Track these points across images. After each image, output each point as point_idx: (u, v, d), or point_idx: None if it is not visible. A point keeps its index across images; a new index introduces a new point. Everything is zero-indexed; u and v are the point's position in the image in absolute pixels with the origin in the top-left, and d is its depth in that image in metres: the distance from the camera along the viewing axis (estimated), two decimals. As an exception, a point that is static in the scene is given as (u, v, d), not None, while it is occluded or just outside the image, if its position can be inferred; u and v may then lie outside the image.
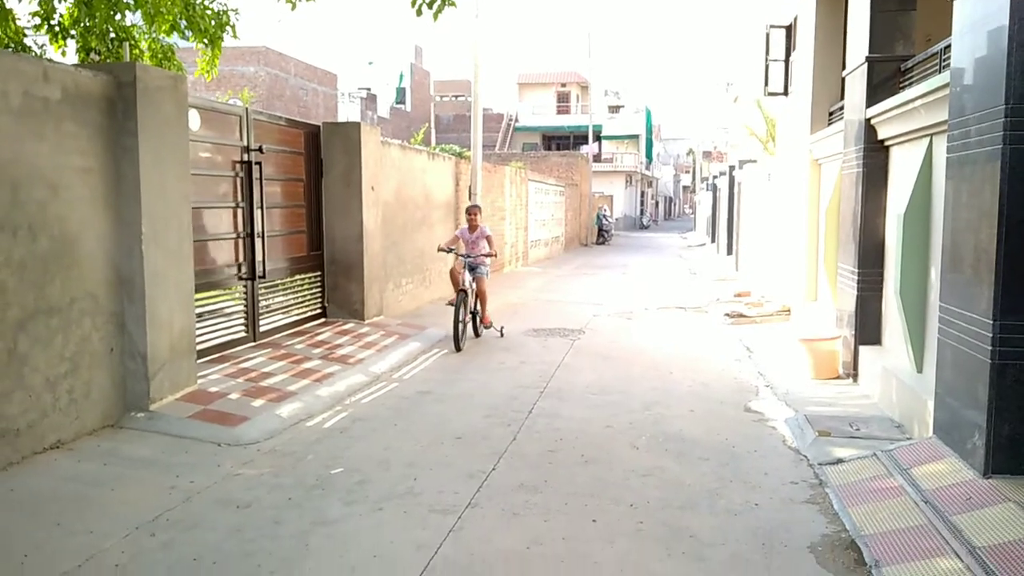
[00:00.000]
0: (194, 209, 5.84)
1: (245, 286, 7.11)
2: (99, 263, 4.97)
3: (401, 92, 44.74)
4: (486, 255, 8.67)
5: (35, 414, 4.48)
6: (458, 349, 7.98)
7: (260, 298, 7.33)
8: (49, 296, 4.57)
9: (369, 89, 42.29)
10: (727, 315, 10.45)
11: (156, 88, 5.28)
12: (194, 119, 6.19)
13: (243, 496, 4.14)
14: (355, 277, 8.66)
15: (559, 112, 48.82)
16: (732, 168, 20.02)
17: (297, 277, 8.26)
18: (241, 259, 7.01)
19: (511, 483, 4.39)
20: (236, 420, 5.21)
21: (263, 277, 7.27)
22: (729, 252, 19.54)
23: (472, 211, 8.98)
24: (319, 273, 8.61)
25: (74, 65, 5.18)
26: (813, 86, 8.89)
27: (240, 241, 7.00)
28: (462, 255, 8.62)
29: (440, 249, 8.70)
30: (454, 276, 8.47)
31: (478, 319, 8.85)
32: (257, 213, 7.15)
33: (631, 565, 3.45)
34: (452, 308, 8.26)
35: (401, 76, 44.87)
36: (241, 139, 7.03)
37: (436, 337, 8.64)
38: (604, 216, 31.70)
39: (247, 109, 7.15)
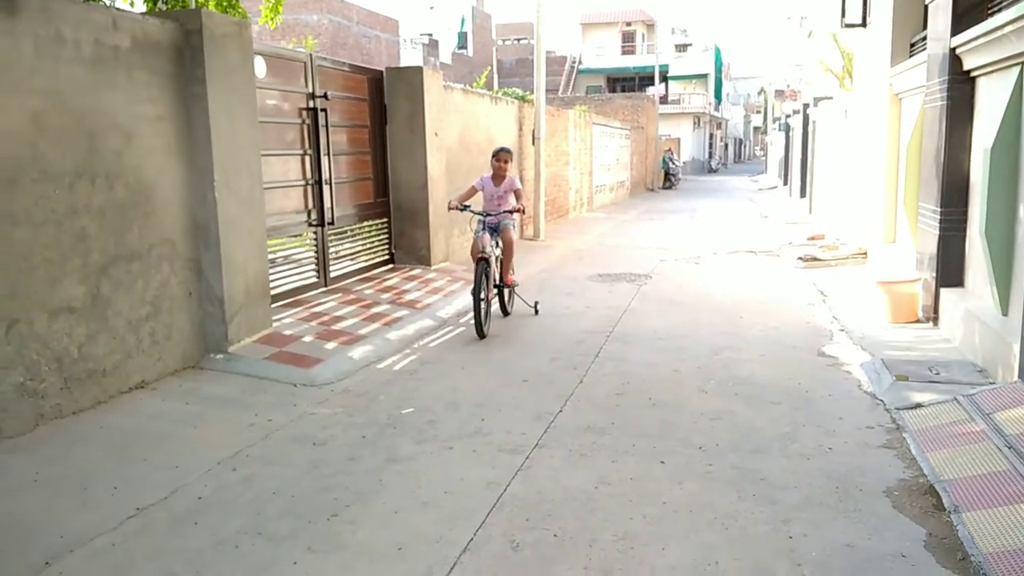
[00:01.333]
0: (263, 156, 5.91)
1: (315, 233, 7.22)
2: (175, 210, 5.10)
3: (463, 37, 44.25)
4: (512, 211, 6.89)
5: (120, 355, 4.68)
6: (481, 335, 6.26)
7: (330, 244, 7.44)
8: (128, 242, 4.73)
9: (431, 35, 41.96)
10: (800, 259, 10.16)
11: (222, 35, 5.32)
12: (260, 66, 6.23)
13: (319, 434, 4.27)
14: (421, 223, 8.70)
15: (624, 53, 47.65)
16: (806, 106, 19.25)
17: (365, 224, 8.35)
18: (310, 206, 7.11)
19: (578, 424, 4.41)
20: (310, 362, 5.34)
21: (332, 224, 7.36)
22: (802, 194, 18.92)
23: (501, 156, 6.97)
24: (386, 220, 8.68)
25: (142, 13, 5.25)
26: (894, 15, 8.40)
27: (309, 188, 7.09)
28: (478, 213, 6.82)
29: (451, 207, 6.80)
30: (474, 248, 6.51)
31: (505, 294, 7.12)
32: (324, 160, 7.20)
33: (700, 506, 3.44)
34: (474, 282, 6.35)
35: (463, 20, 44.32)
36: (306, 86, 7.05)
37: (502, 282, 8.66)
38: (671, 159, 31.02)
39: (311, 55, 7.16)
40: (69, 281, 4.33)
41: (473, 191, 6.94)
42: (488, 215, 6.85)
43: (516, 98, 13.30)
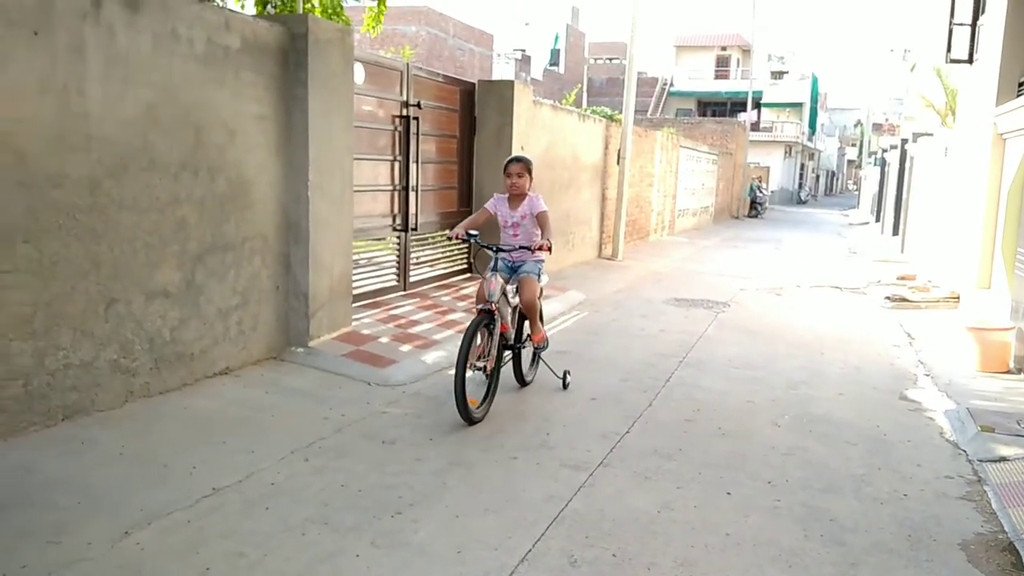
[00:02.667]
0: (355, 160, 6.10)
1: (398, 237, 7.40)
2: (270, 206, 5.31)
3: (555, 54, 44.53)
4: (535, 249, 4.78)
5: (208, 341, 4.90)
6: (467, 419, 4.47)
7: (411, 250, 7.60)
8: (225, 233, 4.95)
9: (524, 50, 42.41)
10: (888, 298, 9.82)
11: (326, 40, 5.53)
12: (359, 72, 6.44)
13: (388, 432, 4.36)
14: (501, 235, 8.78)
15: (717, 77, 47.07)
16: (904, 141, 18.61)
17: (446, 232, 8.49)
18: (396, 211, 7.28)
19: (645, 447, 4.37)
20: (385, 362, 5.47)
21: (415, 229, 7.52)
22: (895, 232, 18.28)
23: (513, 168, 4.99)
24: (467, 229, 8.80)
25: (252, 16, 5.51)
26: (1002, 53, 8.08)
27: (395, 194, 7.26)
28: (485, 246, 4.89)
29: (455, 236, 4.89)
30: (480, 293, 4.72)
31: (523, 357, 5.31)
32: (412, 167, 7.38)
33: (765, 541, 3.37)
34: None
35: (556, 37, 44.62)
36: (401, 94, 7.25)
37: (576, 300, 8.68)
38: (758, 188, 30.43)
39: (407, 64, 7.36)
40: (167, 267, 4.56)
41: (485, 216, 5.10)
42: (503, 249, 4.88)
43: (604, 117, 13.31)
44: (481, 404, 4.63)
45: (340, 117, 5.75)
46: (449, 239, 5.04)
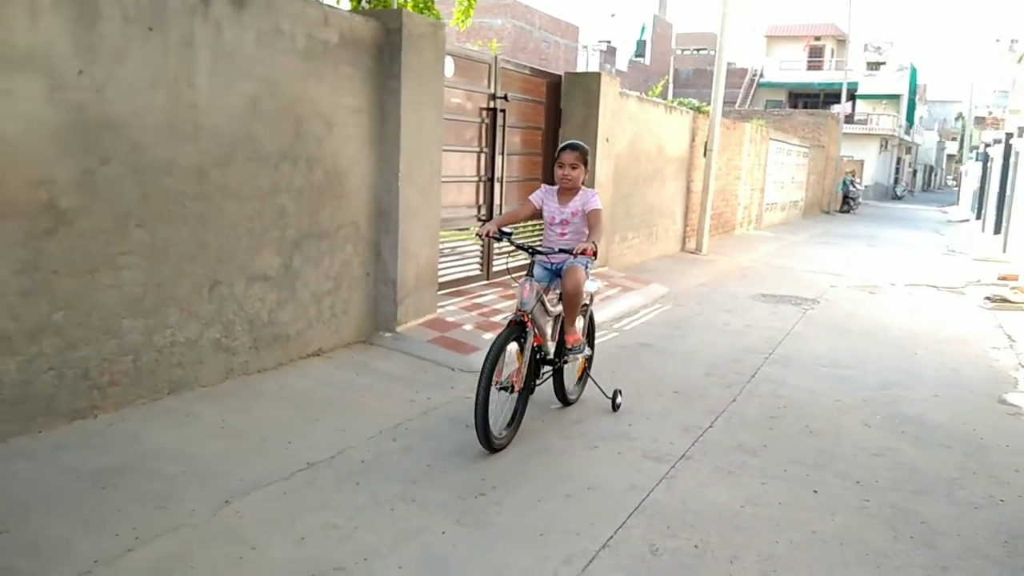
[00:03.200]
0: (443, 151, 6.22)
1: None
2: (363, 195, 5.49)
3: (641, 45, 44.01)
4: (577, 253, 3.96)
5: (303, 324, 5.11)
6: (489, 447, 3.89)
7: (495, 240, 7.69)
8: (320, 221, 5.14)
9: (609, 42, 42.05)
10: (988, 299, 9.38)
11: (419, 35, 5.66)
12: (449, 66, 6.56)
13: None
14: (584, 227, 8.79)
15: (810, 68, 45.61)
16: (1009, 136, 17.66)
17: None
18: (480, 201, 7.39)
19: (728, 442, 4.34)
20: (468, 349, 5.58)
21: (499, 220, 7.61)
22: (996, 230, 17.39)
23: (565, 158, 4.32)
24: (550, 220, 8.84)
25: (349, 11, 5.68)
26: None
27: (481, 184, 7.37)
28: (524, 248, 4.29)
29: (481, 234, 4.32)
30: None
31: (566, 373, 4.65)
32: (498, 159, 7.47)
33: (852, 540, 3.30)
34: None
35: (643, 28, 44.08)
36: (489, 87, 7.34)
37: (659, 293, 8.61)
38: (851, 182, 29.36)
39: (496, 57, 7.44)
40: (267, 252, 4.78)
41: (529, 211, 4.48)
42: (544, 253, 4.27)
43: (691, 108, 13.11)
44: (506, 428, 4.05)
45: (430, 109, 5.88)
46: (478, 236, 4.34)
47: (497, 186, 7.50)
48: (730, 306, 8.35)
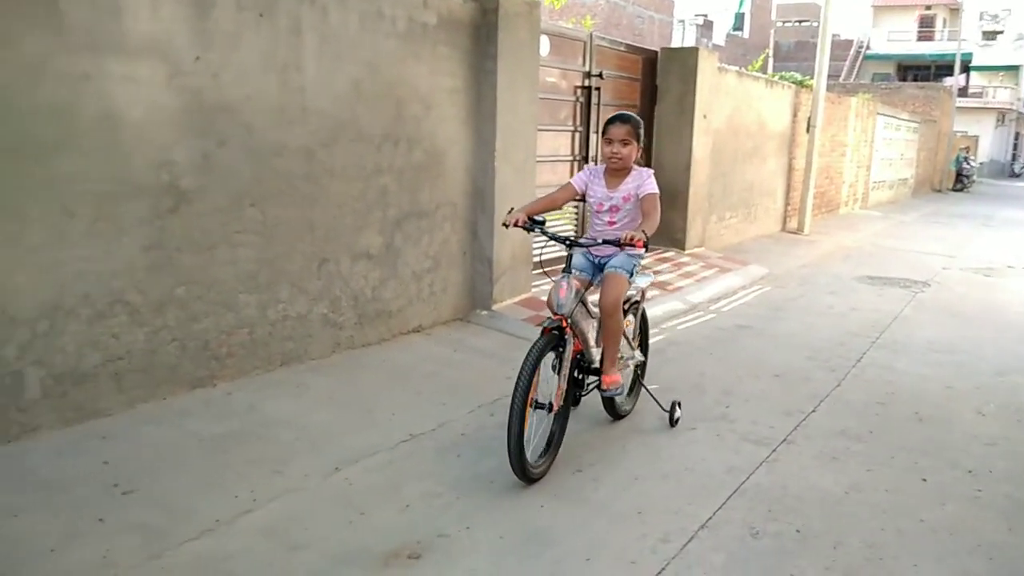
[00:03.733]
0: (537, 131, 6.24)
1: (576, 207, 7.49)
2: (460, 175, 5.57)
3: (739, 18, 42.62)
4: (625, 242, 3.32)
5: (404, 301, 5.25)
6: (525, 477, 3.31)
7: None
8: (420, 201, 5.26)
9: (705, 15, 40.91)
10: (1119, 282, 8.74)
11: (515, 14, 5.67)
12: (544, 44, 6.55)
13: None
14: (679, 206, 8.67)
15: (920, 39, 43.22)
16: None
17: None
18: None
19: (832, 427, 4.23)
20: (563, 328, 5.61)
21: (594, 199, 7.58)
22: None
23: (613, 132, 3.64)
24: (645, 199, 8.74)
25: (449, -6, 5.75)
26: None
27: (575, 164, 7.36)
28: (560, 239, 3.60)
29: (511, 224, 3.59)
30: (550, 300, 3.46)
31: (623, 381, 3.87)
32: (592, 138, 7.43)
33: (963, 531, 3.18)
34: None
35: (741, 1, 42.67)
36: (583, 64, 7.30)
37: (758, 274, 8.41)
38: (965, 159, 27.75)
39: (591, 34, 7.38)
40: (370, 231, 4.93)
41: (569, 195, 3.86)
42: (574, 244, 3.57)
43: (793, 82, 12.64)
44: (542, 456, 3.44)
45: (526, 89, 5.90)
46: (505, 226, 3.59)
47: (652, 171, 7.43)
48: (834, 288, 8.07)
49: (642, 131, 3.70)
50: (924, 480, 3.64)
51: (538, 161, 6.43)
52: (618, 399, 4.03)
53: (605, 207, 3.76)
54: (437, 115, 5.31)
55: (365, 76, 4.77)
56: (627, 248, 3.43)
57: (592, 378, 3.81)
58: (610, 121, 3.69)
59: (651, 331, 5.78)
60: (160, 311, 3.85)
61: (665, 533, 3.05)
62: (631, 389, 4.26)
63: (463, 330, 5.54)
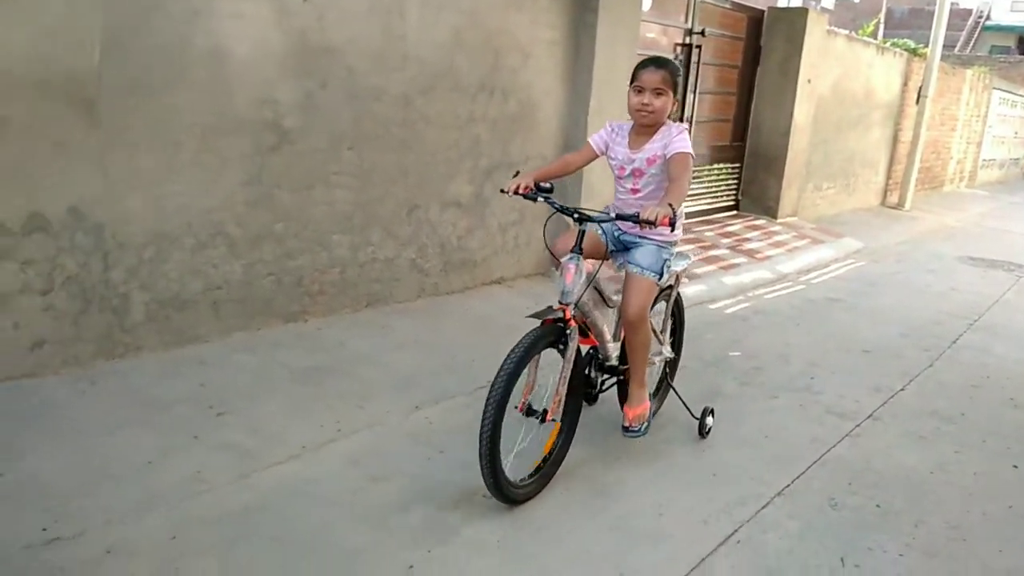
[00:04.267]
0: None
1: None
2: (552, 128, 5.54)
3: (851, -19, 40.48)
4: (644, 221, 2.59)
5: (488, 251, 5.29)
6: (502, 496, 2.72)
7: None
8: (510, 152, 5.26)
9: (815, -23, 39.01)
10: None
11: (620, -34, 5.55)
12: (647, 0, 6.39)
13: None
14: (775, 173, 8.40)
15: (1050, 9, 40.11)
16: None
17: (715, 166, 8.29)
18: (668, 141, 7.23)
19: (921, 407, 4.08)
20: (646, 289, 5.57)
21: (686, 161, 7.42)
22: None
23: (650, 79, 2.93)
24: (738, 165, 8.53)
25: (553, -56, 5.65)
26: None
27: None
28: (567, 211, 2.90)
29: (512, 191, 2.95)
30: (557, 252, 3.00)
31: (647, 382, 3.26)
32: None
33: (1058, 522, 3.05)
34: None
35: (854, -38, 40.45)
36: (686, 21, 7.10)
37: (853, 247, 8.12)
38: (1088, 140, 25.83)
39: (696, -9, 7.16)
40: (460, 180, 4.96)
41: (586, 158, 3.20)
42: (584, 218, 2.90)
43: (907, 50, 11.98)
44: (533, 475, 2.86)
45: (625, 44, 5.78)
46: (503, 192, 2.96)
47: (686, 126, 7.28)
48: (932, 267, 7.72)
49: (680, 80, 3.07)
50: (1015, 467, 3.50)
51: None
52: (637, 394, 3.23)
53: (627, 171, 3.08)
54: (534, 66, 5.27)
55: (465, 25, 4.76)
56: (647, 230, 2.74)
57: (609, 378, 3.32)
58: (642, 65, 2.98)
59: (737, 297, 5.70)
60: (257, 245, 3.99)
61: (740, 496, 3.03)
62: (657, 389, 3.63)
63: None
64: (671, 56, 6.97)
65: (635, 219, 2.64)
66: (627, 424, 3.21)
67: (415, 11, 4.43)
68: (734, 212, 8.53)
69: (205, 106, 3.66)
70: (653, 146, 3.01)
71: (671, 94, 2.97)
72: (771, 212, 8.44)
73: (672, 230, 2.73)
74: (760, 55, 8.30)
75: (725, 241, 7.25)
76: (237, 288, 3.96)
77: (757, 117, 8.41)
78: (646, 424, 3.23)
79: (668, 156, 2.93)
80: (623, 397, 3.34)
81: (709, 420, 3.51)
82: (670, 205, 2.62)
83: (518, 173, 3.01)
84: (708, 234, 7.39)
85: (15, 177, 3.12)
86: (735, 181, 8.56)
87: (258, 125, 3.89)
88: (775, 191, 8.41)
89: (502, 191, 2.99)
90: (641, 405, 3.21)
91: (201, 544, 2.43)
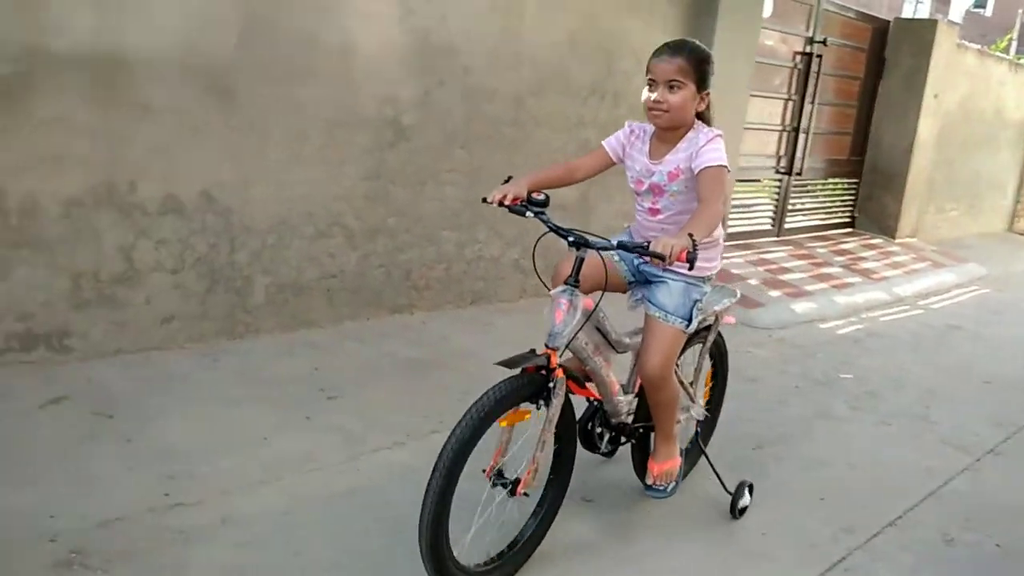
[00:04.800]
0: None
1: (779, 181, 7.15)
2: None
3: (984, -7, 38.36)
4: (668, 255, 1.98)
5: (592, 256, 5.27)
6: None
7: (791, 195, 7.31)
8: (620, 157, 5.22)
9: (944, -12, 37.15)
10: None
11: (743, -28, 5.44)
12: (768, 5, 6.24)
13: (750, 371, 4.37)
14: (894, 191, 8.04)
15: None
16: None
17: (831, 180, 8.01)
18: (781, 152, 7.04)
19: (1049, 444, 3.83)
20: (751, 304, 5.42)
21: (799, 174, 7.21)
22: None
23: (664, 68, 2.29)
24: (855, 180, 8.21)
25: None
26: None
27: (784, 135, 7.00)
28: (560, 232, 2.34)
29: (498, 201, 2.34)
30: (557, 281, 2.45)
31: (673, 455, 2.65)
32: (807, 108, 7.03)
33: None
34: None
35: (988, -26, 38.31)
36: (806, 30, 6.90)
37: (976, 274, 7.69)
38: None
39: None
40: (568, 182, 4.97)
41: (597, 164, 2.64)
42: (581, 243, 2.30)
43: (1045, 67, 11.24)
44: (492, 561, 2.26)
45: (743, 51, 5.67)
46: (486, 202, 2.38)
47: (802, 137, 7.08)
48: (1063, 297, 7.23)
49: (709, 68, 2.38)
50: None
51: (745, 128, 6.18)
52: (662, 466, 2.66)
53: (644, 186, 2.48)
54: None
55: (580, 27, 4.77)
56: (658, 263, 2.08)
57: (613, 437, 2.69)
58: (655, 52, 2.36)
59: (849, 318, 5.52)
60: (372, 237, 4.11)
61: (849, 524, 2.90)
62: (683, 453, 2.82)
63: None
64: (788, 64, 6.78)
65: (642, 251, 2.08)
66: (651, 481, 2.64)
67: (533, 11, 4.47)
68: (849, 229, 8.21)
69: (332, 100, 3.80)
70: (676, 157, 2.40)
71: (694, 87, 2.33)
72: (889, 231, 8.08)
73: (690, 267, 2.02)
74: (884, 67, 7.97)
75: (839, 259, 6.99)
76: (351, 278, 4.08)
77: (878, 131, 8.07)
78: (674, 484, 2.67)
79: (695, 170, 2.32)
80: (639, 462, 2.77)
81: (745, 498, 2.84)
82: (691, 236, 2.03)
83: (510, 179, 2.42)
84: (820, 251, 7.14)
85: (155, 160, 3.33)
86: (851, 197, 8.24)
87: (379, 121, 4.00)
88: (894, 210, 8.05)
89: (484, 200, 2.37)
90: (670, 460, 2.65)
91: (311, 520, 2.51)
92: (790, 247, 7.02)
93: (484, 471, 2.25)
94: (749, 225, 7.00)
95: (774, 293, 5.71)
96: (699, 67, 2.35)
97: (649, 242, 2.07)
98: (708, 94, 2.40)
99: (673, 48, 2.35)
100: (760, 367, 4.45)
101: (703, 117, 2.45)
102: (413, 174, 4.20)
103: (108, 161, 3.21)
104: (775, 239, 7.19)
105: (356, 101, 3.89)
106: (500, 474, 2.28)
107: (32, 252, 3.11)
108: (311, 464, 2.84)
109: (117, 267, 3.31)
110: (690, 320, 2.45)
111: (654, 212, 2.51)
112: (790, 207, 7.37)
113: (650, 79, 2.35)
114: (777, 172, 7.09)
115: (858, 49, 7.73)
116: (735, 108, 5.74)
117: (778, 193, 7.20)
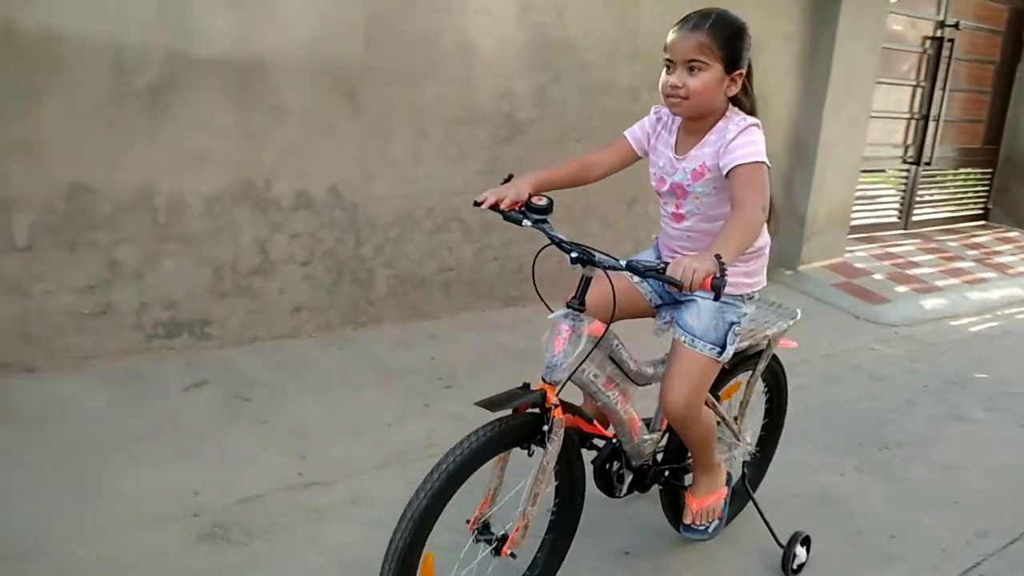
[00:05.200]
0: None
1: (906, 171, 6.82)
2: (781, 125, 5.32)
3: None
4: (688, 282, 1.59)
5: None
6: None
7: (919, 186, 6.96)
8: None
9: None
10: None
11: (869, -46, 5.21)
12: (896, -11, 5.96)
13: (877, 369, 4.20)
14: (1034, 180, 7.52)
15: None
16: None
17: (962, 170, 7.56)
18: (908, 141, 6.70)
19: None
20: (877, 299, 5.21)
21: (928, 164, 6.84)
22: None
23: (683, 46, 1.91)
24: (989, 170, 7.72)
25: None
26: None
27: (911, 123, 6.67)
28: (564, 244, 1.98)
29: (491, 205, 2.02)
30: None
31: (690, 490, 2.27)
32: (937, 94, 6.66)
33: None
34: None
35: None
36: (937, 13, 6.53)
37: None
38: None
39: (953, -22, 6.56)
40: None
41: (618, 154, 2.27)
42: (587, 259, 1.92)
43: None
44: None
45: (868, 37, 5.43)
46: (477, 205, 2.05)
47: (931, 125, 6.71)
48: None
49: (743, 44, 1.97)
50: None
51: (871, 116, 5.93)
52: (693, 510, 2.27)
53: (666, 185, 2.10)
54: (767, 60, 5.08)
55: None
56: (674, 289, 1.81)
57: (636, 480, 2.26)
58: (674, 27, 1.98)
59: (983, 315, 5.28)
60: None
61: (984, 528, 2.77)
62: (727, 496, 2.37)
63: (764, 288, 5.36)
64: (917, 49, 6.44)
65: (656, 275, 1.68)
66: (689, 520, 2.25)
67: (649, 4, 4.44)
68: (982, 222, 7.73)
69: (451, 98, 3.90)
70: (702, 152, 2.00)
71: (720, 67, 1.92)
72: (1027, 224, 7.57)
73: (716, 297, 1.60)
74: (1021, 50, 7.45)
75: (971, 253, 6.60)
76: (467, 271, 4.19)
77: (1015, 119, 7.55)
78: (717, 521, 2.27)
79: (724, 169, 1.92)
80: (669, 504, 2.37)
81: (801, 553, 2.37)
82: (717, 257, 1.61)
83: (511, 177, 2.08)
84: (951, 244, 6.77)
85: (289, 159, 3.51)
86: (985, 188, 7.75)
87: (496, 117, 4.08)
88: (1033, 201, 7.53)
89: (476, 204, 2.04)
90: (712, 494, 2.24)
91: (433, 504, 2.60)
92: (918, 240, 6.68)
93: (468, 522, 1.92)
94: (874, 217, 6.71)
95: (901, 288, 5.46)
96: (727, 43, 1.93)
97: (666, 263, 1.66)
98: (742, 74, 1.96)
99: (694, 21, 1.92)
100: (886, 365, 4.28)
101: (739, 103, 2.01)
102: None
103: (246, 160, 3.41)
104: (902, 232, 6.86)
105: (474, 98, 3.97)
106: (486, 527, 1.93)
107: (177, 246, 3.34)
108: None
109: (253, 260, 3.52)
110: (723, 347, 2.05)
111: (678, 218, 2.12)
112: (918, 198, 7.01)
113: (666, 59, 1.96)
114: (904, 162, 6.76)
115: (993, 32, 7.26)
116: (861, 96, 5.51)
117: (905, 184, 6.86)
